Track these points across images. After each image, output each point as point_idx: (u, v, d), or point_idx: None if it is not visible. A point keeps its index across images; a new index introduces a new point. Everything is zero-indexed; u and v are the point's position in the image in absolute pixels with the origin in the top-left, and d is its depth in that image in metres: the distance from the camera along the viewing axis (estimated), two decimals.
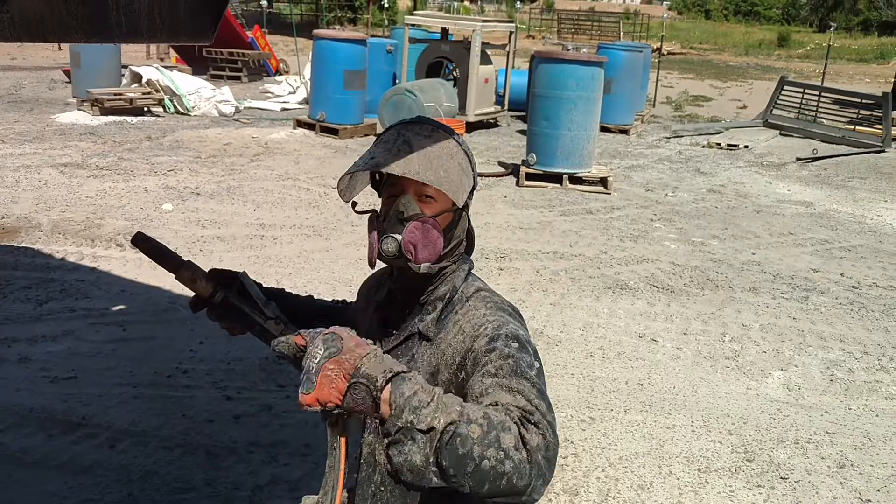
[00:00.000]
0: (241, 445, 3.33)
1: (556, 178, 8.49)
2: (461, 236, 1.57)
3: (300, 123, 10.85)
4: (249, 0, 28.66)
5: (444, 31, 12.60)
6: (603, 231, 6.93)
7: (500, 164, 9.53)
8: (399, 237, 1.46)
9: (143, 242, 1.58)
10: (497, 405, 1.29)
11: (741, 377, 4.32)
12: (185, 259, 1.60)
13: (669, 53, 29.60)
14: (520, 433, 1.23)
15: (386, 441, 1.21)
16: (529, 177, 8.54)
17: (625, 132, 12.26)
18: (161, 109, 11.54)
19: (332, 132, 10.44)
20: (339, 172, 8.69)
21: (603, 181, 8.54)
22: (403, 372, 1.23)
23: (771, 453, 3.59)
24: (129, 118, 10.85)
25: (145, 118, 11.04)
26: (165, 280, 5.07)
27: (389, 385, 1.20)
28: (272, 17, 28.09)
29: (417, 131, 1.51)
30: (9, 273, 5.07)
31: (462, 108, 11.42)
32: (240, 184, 7.70)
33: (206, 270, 1.63)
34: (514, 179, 8.73)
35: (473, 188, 1.55)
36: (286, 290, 1.82)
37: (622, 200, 8.13)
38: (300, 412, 3.58)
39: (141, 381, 3.84)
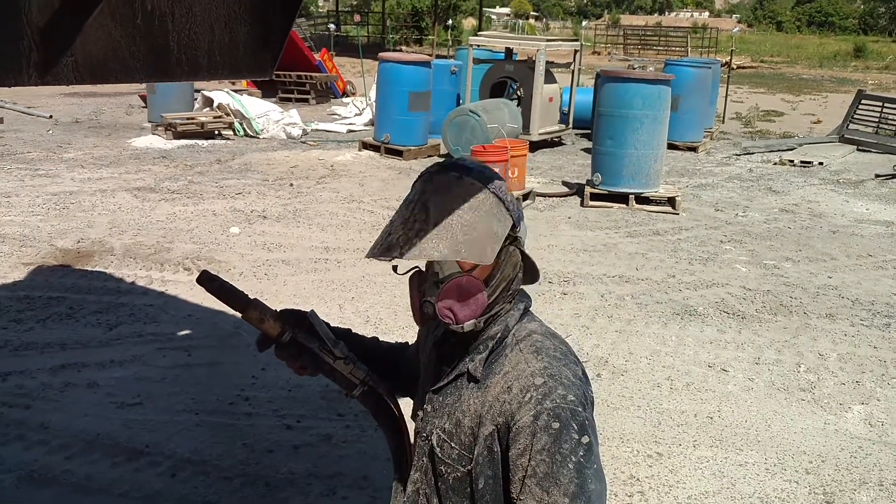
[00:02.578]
0: (300, 476, 3.32)
1: (622, 199, 8.34)
2: (510, 275, 1.50)
3: (365, 145, 10.95)
4: (318, 24, 29.26)
5: (509, 51, 12.58)
6: (671, 253, 6.75)
7: (565, 183, 9.42)
8: (434, 301, 1.44)
9: (209, 282, 1.56)
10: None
11: (818, 411, 4.12)
12: (251, 298, 1.57)
13: (739, 67, 28.97)
14: None
15: None
16: (594, 197, 8.41)
17: (693, 150, 11.99)
18: (231, 133, 11.81)
19: (397, 154, 10.50)
20: (402, 194, 8.68)
21: (671, 201, 8.35)
22: None
23: (853, 495, 3.39)
24: (200, 142, 11.13)
25: (216, 141, 11.31)
26: None
27: None
28: (340, 39, 28.61)
29: (438, 186, 1.45)
30: (82, 297, 5.21)
31: (526, 127, 11.36)
32: (305, 206, 7.79)
33: (275, 310, 1.61)
34: (578, 200, 8.61)
35: (515, 224, 1.48)
36: (352, 331, 1.81)
37: (691, 221, 7.92)
38: (359, 443, 3.56)
39: (204, 408, 3.87)
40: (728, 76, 16.15)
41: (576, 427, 1.35)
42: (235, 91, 13.66)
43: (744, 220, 8.05)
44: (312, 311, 1.64)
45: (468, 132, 9.91)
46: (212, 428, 3.70)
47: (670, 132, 10.67)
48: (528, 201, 8.36)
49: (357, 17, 24.88)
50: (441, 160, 1.55)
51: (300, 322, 1.61)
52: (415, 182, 1.49)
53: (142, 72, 2.01)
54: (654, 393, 4.20)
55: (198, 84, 13.90)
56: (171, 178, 8.82)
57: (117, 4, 1.93)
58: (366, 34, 31.58)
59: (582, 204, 8.42)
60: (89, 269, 5.75)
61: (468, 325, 1.43)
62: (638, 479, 3.39)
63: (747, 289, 5.90)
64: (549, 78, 11.81)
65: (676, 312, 5.36)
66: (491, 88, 12.09)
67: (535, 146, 11.56)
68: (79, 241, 6.32)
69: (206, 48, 2.17)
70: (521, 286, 1.55)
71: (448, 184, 1.45)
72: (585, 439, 1.35)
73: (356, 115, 14.07)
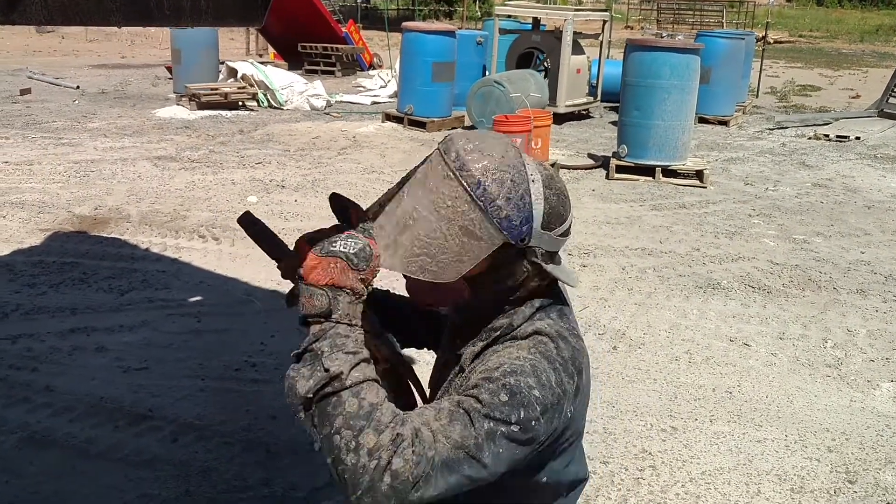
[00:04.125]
0: (302, 444, 3.24)
1: (648, 171, 8.13)
2: (510, 285, 1.36)
3: (389, 117, 10.82)
4: None
5: (536, 21, 12.33)
6: (696, 227, 6.56)
7: (590, 156, 9.22)
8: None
9: (250, 225, 1.47)
10: (411, 410, 1.25)
11: (844, 388, 3.95)
12: (290, 249, 1.48)
13: (776, 42, 28.26)
14: (389, 444, 1.16)
15: (293, 353, 1.23)
16: (620, 169, 8.21)
17: (724, 123, 11.68)
18: (255, 104, 11.75)
19: (420, 125, 10.36)
20: None
21: (699, 174, 8.12)
22: (355, 325, 1.25)
23: (877, 475, 3.24)
24: (224, 112, 11.08)
25: (240, 112, 11.26)
26: (243, 272, 5.08)
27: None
28: (369, 12, 28.37)
29: (425, 175, 1.35)
30: (96, 263, 5.18)
31: (553, 99, 11.15)
32: (325, 177, 7.71)
33: None
34: (603, 172, 8.41)
35: (514, 241, 1.30)
36: (390, 292, 1.76)
37: (719, 194, 7.71)
38: None
39: (210, 374, 3.82)
40: (763, 50, 15.72)
41: (519, 415, 1.24)
42: (261, 62, 13.59)
43: (774, 194, 7.81)
44: None
45: (493, 103, 9.73)
46: (216, 394, 3.65)
47: (700, 105, 10.39)
48: None
49: None
50: (462, 130, 1.44)
51: None
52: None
53: (118, 14, 1.91)
54: (672, 367, 4.06)
55: (225, 55, 13.85)
56: (192, 147, 8.78)
57: None
58: (395, 7, 31.31)
59: (607, 176, 8.23)
60: (105, 235, 5.73)
61: (443, 310, 1.44)
62: (650, 454, 3.27)
63: (775, 263, 5.70)
64: (578, 49, 11.56)
65: (699, 286, 5.19)
66: (517, 59, 11.87)
67: (562, 118, 11.36)
68: (96, 209, 6.30)
69: None
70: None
71: (434, 177, 1.32)
72: (515, 429, 1.23)
73: (381, 87, 13.94)
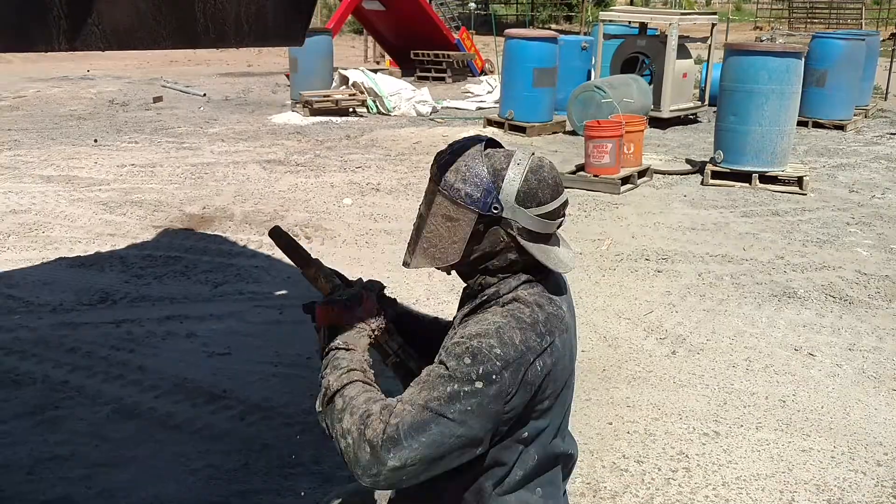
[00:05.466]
0: None
1: (744, 177, 7.96)
2: (488, 250, 1.56)
3: (490, 122, 11.03)
4: (465, 3, 29.48)
5: (643, 26, 12.21)
6: (785, 234, 6.40)
7: (688, 161, 9.10)
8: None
9: (277, 237, 1.80)
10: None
11: None
12: (313, 257, 1.79)
13: None
14: (359, 421, 1.43)
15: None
16: (715, 175, 8.08)
17: (840, 128, 11.17)
18: (365, 110, 12.23)
19: (521, 130, 10.51)
20: None
21: (799, 181, 7.87)
22: (349, 349, 1.61)
23: None
24: (334, 118, 11.61)
25: (349, 118, 11.76)
26: None
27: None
28: (487, 18, 28.65)
29: (426, 191, 1.62)
30: (197, 257, 5.66)
31: (657, 103, 11.04)
32: (419, 181, 7.99)
33: (330, 270, 1.80)
34: (699, 178, 8.29)
35: (484, 212, 1.52)
36: (413, 311, 1.97)
37: (818, 202, 7.46)
38: None
39: (283, 361, 4.15)
40: (893, 49, 14.86)
41: (479, 371, 1.43)
42: (377, 69, 14.11)
43: (880, 202, 7.48)
44: (360, 279, 1.82)
45: (593, 108, 9.76)
46: (285, 379, 3.97)
47: (815, 109, 10.08)
48: (644, 178, 8.16)
49: None
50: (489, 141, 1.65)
51: (351, 287, 1.78)
52: None
53: (168, 39, 2.21)
54: (728, 373, 4.06)
55: (342, 62, 14.47)
56: (299, 151, 9.30)
57: None
58: (513, 13, 31.49)
59: (702, 182, 8.12)
60: (209, 232, 6.22)
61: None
62: (687, 456, 3.32)
63: (862, 273, 5.51)
64: (684, 53, 11.39)
65: (774, 294, 5.11)
66: (622, 64, 11.81)
67: (666, 123, 11.24)
68: (204, 208, 6.84)
69: (233, 17, 2.34)
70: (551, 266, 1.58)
71: (428, 190, 1.61)
72: (479, 385, 1.42)
73: (488, 92, 14.17)
